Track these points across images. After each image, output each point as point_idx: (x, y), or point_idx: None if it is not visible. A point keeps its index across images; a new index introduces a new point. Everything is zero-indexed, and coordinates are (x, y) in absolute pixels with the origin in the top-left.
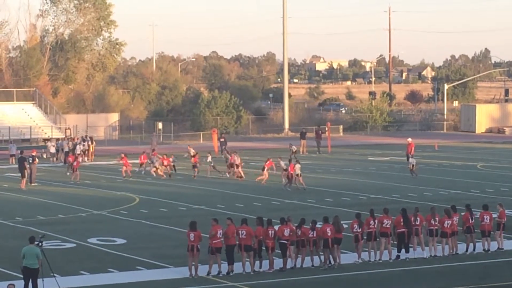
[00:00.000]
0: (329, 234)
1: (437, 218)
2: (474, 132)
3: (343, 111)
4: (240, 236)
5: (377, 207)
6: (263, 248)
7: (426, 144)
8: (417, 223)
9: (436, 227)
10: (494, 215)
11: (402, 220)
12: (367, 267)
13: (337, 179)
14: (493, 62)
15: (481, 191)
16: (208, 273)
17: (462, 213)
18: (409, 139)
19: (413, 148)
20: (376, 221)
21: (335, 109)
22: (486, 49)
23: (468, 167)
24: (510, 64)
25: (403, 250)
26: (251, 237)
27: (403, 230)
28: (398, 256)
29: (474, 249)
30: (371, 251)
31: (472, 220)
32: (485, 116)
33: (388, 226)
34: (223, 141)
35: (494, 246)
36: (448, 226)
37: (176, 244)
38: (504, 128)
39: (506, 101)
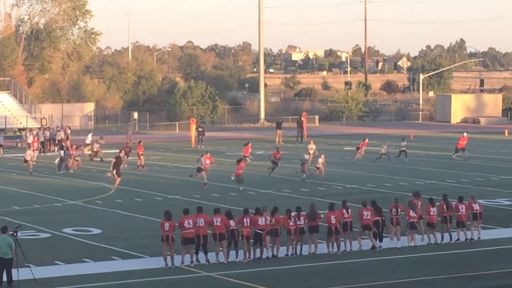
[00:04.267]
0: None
1: (411, 212)
2: (450, 122)
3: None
4: (215, 224)
5: (352, 197)
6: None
7: (402, 134)
8: (397, 213)
9: (414, 220)
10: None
11: (373, 209)
12: (343, 257)
13: (313, 169)
14: (468, 52)
15: (456, 181)
16: (182, 263)
17: (438, 203)
18: (464, 134)
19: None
20: (350, 210)
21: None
22: (461, 39)
23: (443, 157)
24: (485, 55)
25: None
26: (225, 225)
27: (377, 218)
28: (373, 246)
29: (450, 239)
30: (346, 241)
31: (448, 210)
32: (460, 106)
33: (369, 217)
34: (201, 130)
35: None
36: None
37: (152, 234)
38: (479, 118)
39: (481, 91)
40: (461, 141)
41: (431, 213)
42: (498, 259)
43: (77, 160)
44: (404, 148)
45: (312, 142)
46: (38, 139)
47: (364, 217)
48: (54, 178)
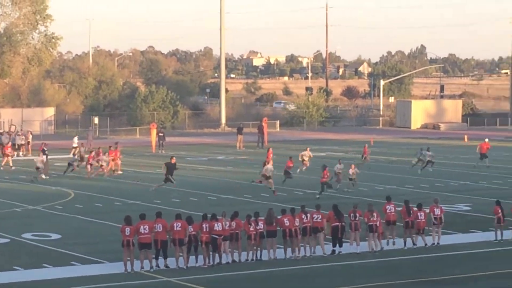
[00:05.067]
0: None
1: (375, 214)
2: (410, 128)
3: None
4: (175, 229)
5: (313, 202)
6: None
7: (362, 139)
8: (356, 218)
9: (375, 223)
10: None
11: (334, 214)
12: (303, 262)
13: (274, 175)
14: (429, 58)
15: (416, 187)
16: (141, 268)
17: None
18: (486, 140)
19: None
20: (308, 215)
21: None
22: (422, 45)
23: (403, 162)
24: (445, 61)
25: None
26: (185, 230)
27: (337, 224)
28: (333, 251)
29: (414, 244)
30: (306, 246)
31: (410, 215)
32: (420, 112)
33: (319, 220)
34: (162, 135)
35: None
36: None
37: (112, 239)
38: (439, 124)
39: (442, 97)
40: (484, 147)
41: (387, 211)
42: (457, 264)
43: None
44: (430, 158)
45: (308, 149)
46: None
47: (314, 219)
48: (13, 183)
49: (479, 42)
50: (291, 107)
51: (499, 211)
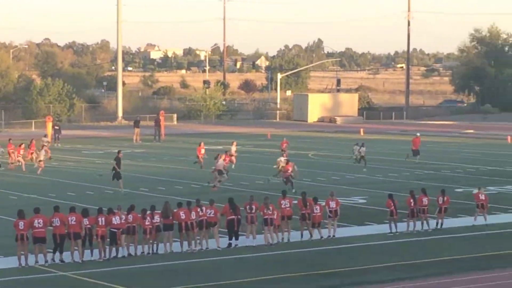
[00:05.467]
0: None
1: (271, 207)
2: (307, 121)
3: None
4: (70, 223)
5: (209, 196)
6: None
7: (259, 133)
8: (253, 211)
9: (271, 216)
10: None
11: (229, 208)
12: (199, 255)
13: (170, 168)
14: (326, 52)
15: (313, 180)
16: (36, 262)
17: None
18: (418, 134)
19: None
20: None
21: None
22: (319, 39)
23: (300, 156)
24: (342, 55)
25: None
26: (81, 224)
27: (232, 217)
28: (229, 244)
29: (310, 236)
30: (203, 240)
31: (307, 207)
32: (317, 106)
33: (212, 215)
34: (57, 129)
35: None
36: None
37: (5, 234)
38: (336, 117)
39: (338, 91)
40: (415, 142)
41: (282, 205)
42: (352, 256)
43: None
44: (363, 154)
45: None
46: None
47: (208, 214)
48: None
49: (375, 37)
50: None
51: (392, 204)
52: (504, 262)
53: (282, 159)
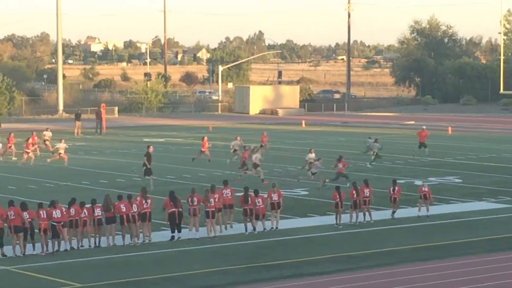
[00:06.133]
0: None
1: (211, 200)
2: (248, 113)
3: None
4: (9, 218)
5: (150, 188)
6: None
7: (201, 125)
8: (195, 203)
9: (213, 208)
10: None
11: (170, 201)
12: (142, 248)
13: (112, 161)
14: (267, 44)
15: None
16: None
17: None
18: (424, 127)
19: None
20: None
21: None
22: (260, 31)
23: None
24: (283, 47)
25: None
26: (21, 217)
27: (173, 210)
28: (172, 237)
29: (254, 229)
30: (146, 232)
31: (248, 202)
32: (258, 98)
33: (146, 207)
34: None
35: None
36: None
37: None
38: (277, 109)
39: (279, 83)
40: (421, 136)
41: (224, 195)
42: (295, 248)
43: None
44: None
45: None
46: None
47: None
48: None
49: (316, 29)
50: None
51: (337, 196)
52: (444, 253)
53: (256, 156)
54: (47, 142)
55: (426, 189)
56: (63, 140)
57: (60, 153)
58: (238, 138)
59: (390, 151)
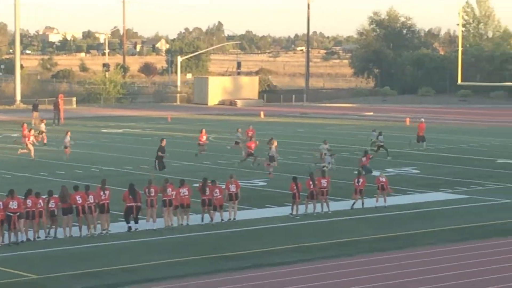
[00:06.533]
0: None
1: (169, 189)
2: (207, 104)
3: None
4: None
5: (109, 179)
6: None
7: (160, 116)
8: (152, 194)
9: (169, 198)
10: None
11: (129, 194)
12: (99, 239)
13: (70, 152)
14: (226, 35)
15: (213, 163)
16: None
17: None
18: (422, 119)
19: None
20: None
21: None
22: (219, 22)
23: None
24: (242, 38)
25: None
26: None
27: (132, 204)
28: (129, 228)
29: (211, 220)
30: (104, 223)
31: (206, 193)
32: (217, 89)
33: (104, 198)
34: None
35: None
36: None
37: None
38: (236, 100)
39: (239, 73)
40: (420, 128)
41: (181, 194)
42: (253, 239)
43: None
44: (383, 143)
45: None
46: None
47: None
48: None
49: (276, 20)
50: None
51: (295, 187)
52: (402, 243)
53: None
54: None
55: (384, 180)
56: (44, 121)
57: (43, 132)
58: (239, 130)
59: (349, 142)
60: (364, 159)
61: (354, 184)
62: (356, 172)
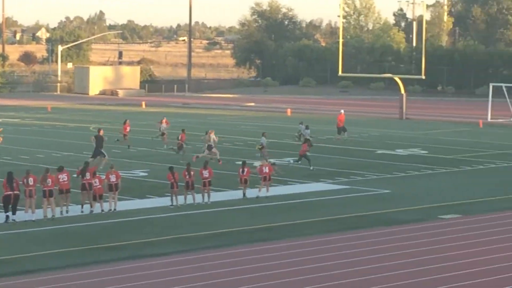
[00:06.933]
0: None
1: (49, 180)
2: (88, 94)
3: None
4: None
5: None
6: None
7: (40, 105)
8: (31, 184)
9: (50, 188)
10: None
11: (7, 182)
12: None
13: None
14: (108, 24)
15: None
16: None
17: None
18: (342, 111)
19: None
20: None
21: None
22: (100, 11)
23: (81, 129)
24: (124, 27)
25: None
26: None
27: (9, 193)
28: (7, 217)
29: (90, 211)
30: None
31: (86, 176)
32: (99, 78)
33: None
34: None
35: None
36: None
37: None
38: (118, 90)
39: (120, 63)
40: (340, 120)
41: (60, 180)
42: (134, 230)
43: None
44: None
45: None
46: None
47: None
48: None
49: (158, 9)
50: None
51: (172, 177)
52: (282, 233)
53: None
54: None
55: (267, 170)
56: None
57: None
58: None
59: (231, 133)
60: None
61: (239, 174)
62: (240, 162)
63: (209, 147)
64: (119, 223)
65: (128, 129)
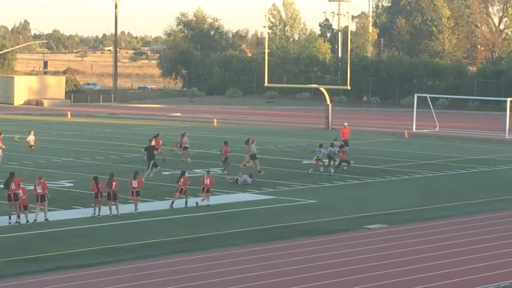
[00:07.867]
0: None
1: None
2: (13, 104)
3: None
4: None
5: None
6: None
7: None
8: None
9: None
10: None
11: None
12: None
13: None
14: (33, 34)
15: (19, 163)
16: None
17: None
18: (345, 124)
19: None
20: None
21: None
22: (25, 20)
23: (6, 139)
24: (49, 37)
25: None
26: None
27: None
28: None
29: (17, 222)
30: None
31: (12, 187)
32: (24, 88)
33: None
34: None
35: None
36: None
37: None
38: (43, 100)
39: (45, 73)
40: (344, 132)
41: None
42: (59, 241)
43: None
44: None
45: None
46: None
47: None
48: None
49: (83, 19)
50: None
51: (96, 187)
52: (206, 244)
53: None
54: None
55: (208, 182)
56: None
57: None
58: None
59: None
60: (340, 154)
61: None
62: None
63: (253, 157)
64: (44, 234)
65: (160, 142)
